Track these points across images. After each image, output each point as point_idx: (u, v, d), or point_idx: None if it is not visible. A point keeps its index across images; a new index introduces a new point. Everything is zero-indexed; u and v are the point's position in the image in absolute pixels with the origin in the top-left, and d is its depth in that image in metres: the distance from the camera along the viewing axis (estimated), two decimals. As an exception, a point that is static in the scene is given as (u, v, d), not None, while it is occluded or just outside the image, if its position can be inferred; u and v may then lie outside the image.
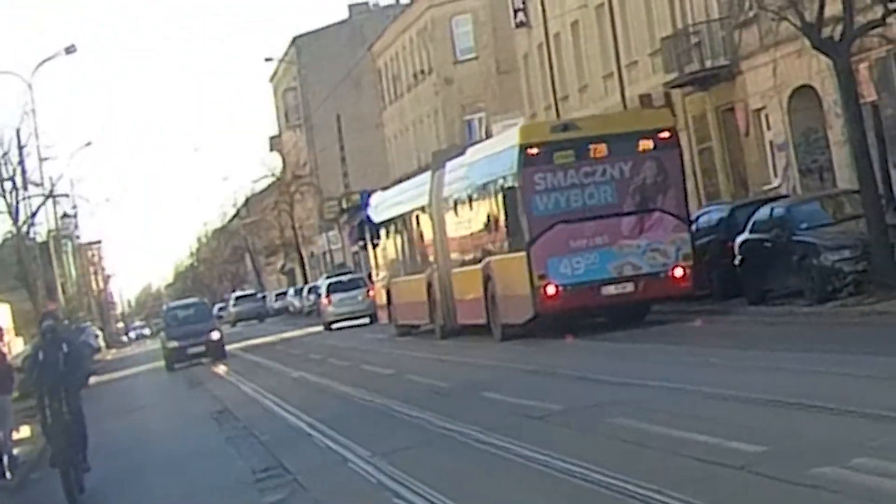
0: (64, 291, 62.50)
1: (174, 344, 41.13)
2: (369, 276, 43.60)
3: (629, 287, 25.20)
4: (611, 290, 25.21)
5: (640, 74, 38.17)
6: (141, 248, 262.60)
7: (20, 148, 46.41)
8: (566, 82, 44.97)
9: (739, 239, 25.94)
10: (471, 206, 28.73)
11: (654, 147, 25.39)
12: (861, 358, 15.69)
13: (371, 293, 43.55)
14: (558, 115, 44.98)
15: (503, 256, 26.77)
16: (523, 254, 25.41)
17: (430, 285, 31.94)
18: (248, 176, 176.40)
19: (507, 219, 26.53)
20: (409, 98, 65.13)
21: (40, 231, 56.03)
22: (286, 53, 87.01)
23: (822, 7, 22.56)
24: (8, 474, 19.42)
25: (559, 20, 44.68)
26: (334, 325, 49.11)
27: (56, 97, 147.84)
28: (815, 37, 22.93)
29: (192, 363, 40.29)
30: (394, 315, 36.21)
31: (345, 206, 50.62)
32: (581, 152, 25.15)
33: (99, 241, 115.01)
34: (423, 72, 62.28)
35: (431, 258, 31.83)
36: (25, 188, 46.98)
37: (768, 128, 32.35)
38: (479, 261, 28.16)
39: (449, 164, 30.85)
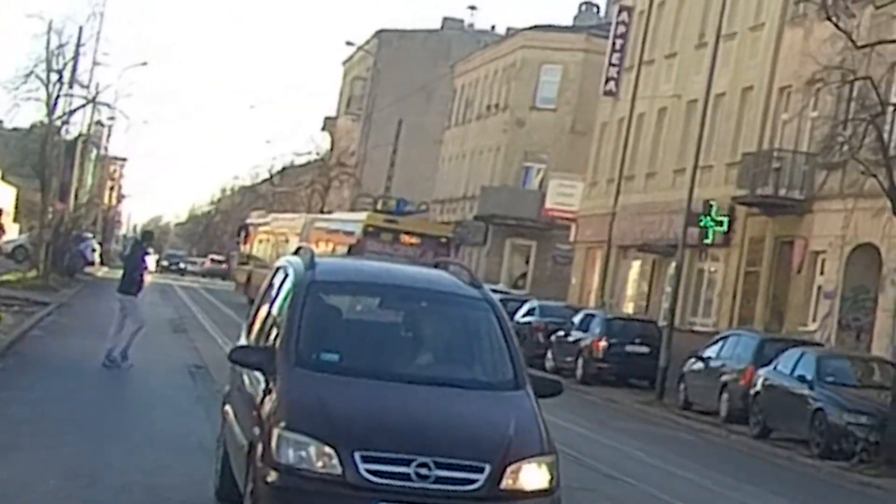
0: (76, 197, 61.80)
1: None
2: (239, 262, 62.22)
3: None
4: None
5: (712, 180, 37.55)
6: (163, 180, 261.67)
7: (78, 46, 45.93)
8: (636, 163, 44.68)
9: (762, 371, 26.05)
10: (331, 244, 44.89)
11: (437, 245, 41.69)
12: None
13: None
14: (618, 192, 45.17)
15: None
16: None
17: None
18: (291, 147, 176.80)
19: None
20: (476, 126, 64.91)
21: (72, 131, 54.55)
22: (367, 42, 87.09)
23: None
24: None
25: (648, 101, 44.55)
26: None
27: (129, 8, 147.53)
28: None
29: None
30: (248, 293, 50.53)
31: (379, 207, 50.44)
32: (396, 236, 41.30)
33: (125, 159, 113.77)
34: (497, 106, 62.05)
35: None
36: (71, 86, 46.45)
37: (821, 273, 32.11)
38: None
39: (319, 218, 51.33)
